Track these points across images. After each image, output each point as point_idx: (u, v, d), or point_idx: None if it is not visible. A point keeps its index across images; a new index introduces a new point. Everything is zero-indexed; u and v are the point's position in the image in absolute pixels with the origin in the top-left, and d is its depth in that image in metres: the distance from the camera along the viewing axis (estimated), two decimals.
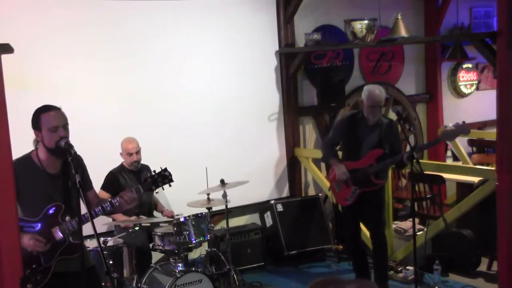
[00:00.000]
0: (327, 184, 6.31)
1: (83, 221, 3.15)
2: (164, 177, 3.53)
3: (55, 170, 3.32)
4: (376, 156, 4.83)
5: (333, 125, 5.33)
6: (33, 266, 3.20)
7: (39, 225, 3.23)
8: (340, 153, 5.18)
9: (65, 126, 3.26)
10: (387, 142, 4.84)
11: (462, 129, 4.73)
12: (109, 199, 3.42)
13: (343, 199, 5.02)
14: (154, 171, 3.55)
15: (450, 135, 4.83)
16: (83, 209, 3.32)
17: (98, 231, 4.73)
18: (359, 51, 7.19)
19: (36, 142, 3.32)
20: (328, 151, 5.12)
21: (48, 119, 3.23)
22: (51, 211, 3.25)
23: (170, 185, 3.56)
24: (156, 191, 3.70)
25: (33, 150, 3.33)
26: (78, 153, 3.28)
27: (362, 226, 5.27)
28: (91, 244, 4.40)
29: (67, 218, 3.25)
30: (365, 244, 5.40)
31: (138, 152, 5.22)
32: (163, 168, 3.56)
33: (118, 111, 5.57)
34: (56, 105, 3.32)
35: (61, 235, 3.24)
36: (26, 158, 3.30)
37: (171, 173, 3.56)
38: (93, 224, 3.08)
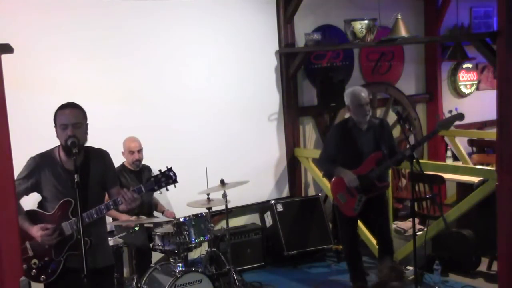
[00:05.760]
0: (327, 184, 6.32)
1: (85, 220, 3.21)
2: (168, 177, 3.34)
3: (73, 166, 3.29)
4: (376, 159, 4.79)
5: (325, 140, 5.28)
6: (46, 258, 3.30)
7: (51, 218, 3.30)
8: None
9: (75, 125, 3.28)
10: (383, 143, 4.79)
11: (457, 116, 4.73)
12: (113, 198, 3.41)
13: (350, 210, 4.92)
14: (160, 170, 3.38)
15: (446, 123, 4.78)
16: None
17: None
18: (359, 51, 7.19)
19: None
20: (328, 165, 5.04)
21: (60, 117, 3.29)
22: (62, 206, 3.31)
23: (175, 186, 3.37)
24: (160, 191, 3.58)
25: (57, 145, 3.38)
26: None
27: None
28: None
29: None
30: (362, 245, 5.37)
31: (140, 151, 5.22)
32: (168, 167, 3.37)
33: (118, 111, 5.56)
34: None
35: (70, 231, 3.30)
36: (48, 153, 3.38)
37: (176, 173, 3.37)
38: (82, 225, 3.08)
